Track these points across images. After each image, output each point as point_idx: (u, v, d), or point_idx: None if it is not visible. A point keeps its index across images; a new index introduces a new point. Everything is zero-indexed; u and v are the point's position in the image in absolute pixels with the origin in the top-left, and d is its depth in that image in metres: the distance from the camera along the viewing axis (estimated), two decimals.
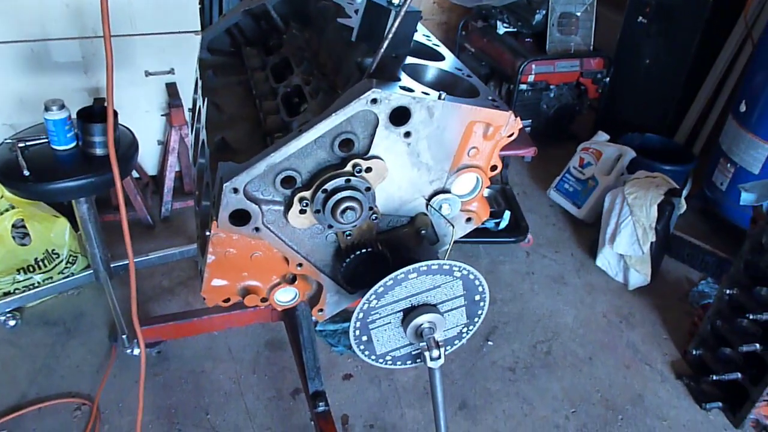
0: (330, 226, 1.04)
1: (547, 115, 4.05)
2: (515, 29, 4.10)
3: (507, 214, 3.09)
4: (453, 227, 1.10)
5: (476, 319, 1.14)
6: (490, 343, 2.66)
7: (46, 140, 2.25)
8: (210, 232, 1.03)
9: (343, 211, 1.00)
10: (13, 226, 2.59)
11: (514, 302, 2.93)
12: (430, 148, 1.04)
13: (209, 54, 1.55)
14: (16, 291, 2.62)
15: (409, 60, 1.14)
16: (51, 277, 2.67)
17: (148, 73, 3.10)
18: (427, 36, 1.34)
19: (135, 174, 3.37)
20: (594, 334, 2.79)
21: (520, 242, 3.19)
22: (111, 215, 3.21)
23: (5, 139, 2.29)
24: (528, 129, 4.01)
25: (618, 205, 3.04)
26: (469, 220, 1.18)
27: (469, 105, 1.01)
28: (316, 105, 1.17)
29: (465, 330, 1.15)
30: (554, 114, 4.05)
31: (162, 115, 3.23)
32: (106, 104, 2.34)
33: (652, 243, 2.93)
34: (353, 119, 0.97)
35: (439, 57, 1.24)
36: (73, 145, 2.26)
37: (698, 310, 2.87)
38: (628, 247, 2.98)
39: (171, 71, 3.12)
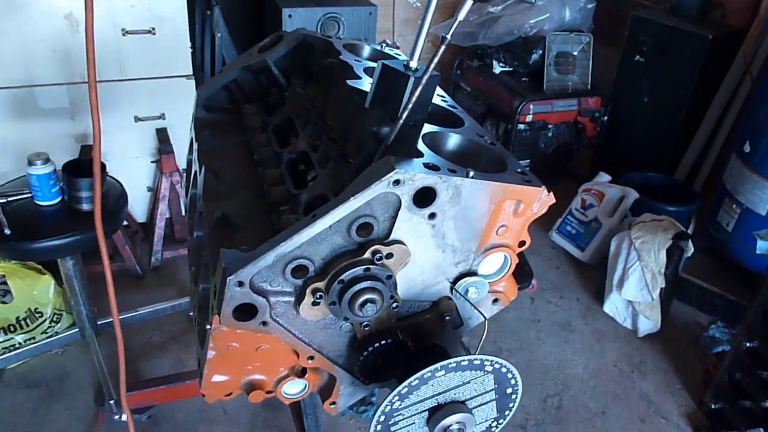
0: (346, 318, 0.93)
1: (545, 154, 3.98)
2: (511, 68, 4.06)
3: None
4: (486, 319, 0.99)
5: (507, 413, 1.02)
6: None
7: (30, 195, 2.14)
8: (210, 325, 0.91)
9: (363, 304, 0.89)
10: None
11: (521, 352, 2.81)
12: (456, 229, 0.94)
13: (205, 112, 1.45)
14: None
15: (427, 127, 1.04)
16: (33, 337, 2.52)
17: (137, 119, 3.00)
18: (443, 96, 1.24)
19: (124, 222, 3.25)
20: (605, 385, 2.67)
21: (525, 288, 3.09)
22: (99, 266, 3.07)
23: None
24: (527, 169, 3.93)
25: (625, 250, 2.95)
26: (496, 301, 1.07)
27: (499, 182, 0.92)
28: (325, 176, 1.06)
29: (494, 424, 1.03)
30: (552, 153, 3.99)
31: (152, 162, 3.12)
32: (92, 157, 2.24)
33: (661, 288, 2.84)
34: (373, 202, 0.87)
35: (459, 122, 1.14)
36: (58, 200, 2.15)
37: (712, 358, 2.76)
38: (636, 293, 2.89)
39: (161, 116, 3.03)
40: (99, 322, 2.59)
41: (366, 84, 1.17)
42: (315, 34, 1.42)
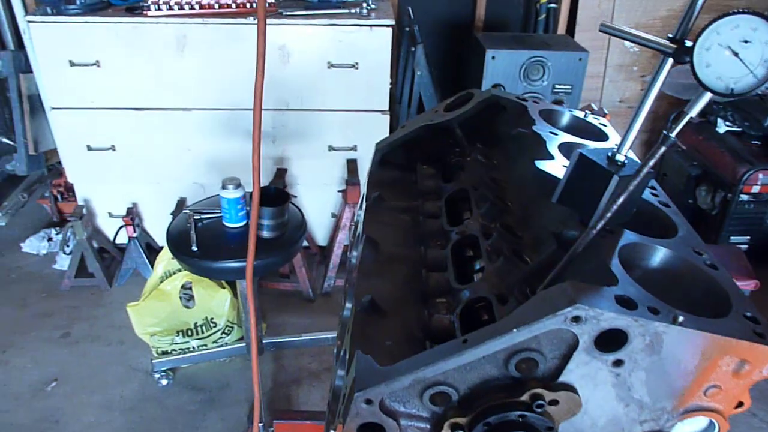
0: None
1: None
2: (740, 129, 3.52)
3: None
4: None
5: None
6: None
7: (220, 215, 2.25)
8: (334, 431, 0.80)
9: None
10: (182, 287, 2.63)
11: None
12: (648, 382, 0.72)
13: (381, 168, 1.37)
14: (173, 352, 2.65)
15: (627, 236, 0.84)
16: (206, 344, 2.66)
17: (331, 148, 3.08)
18: (653, 189, 1.02)
19: (305, 243, 3.35)
20: None
21: None
22: (277, 283, 3.21)
23: (185, 209, 2.33)
24: (745, 246, 3.37)
25: None
26: None
27: (718, 336, 0.69)
28: (493, 272, 0.91)
29: None
30: None
31: (338, 191, 3.18)
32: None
33: None
34: (541, 336, 0.69)
35: (670, 227, 0.92)
36: (243, 223, 2.24)
37: None
38: None
39: (353, 148, 3.08)
40: (264, 341, 2.68)
41: (557, 166, 0.99)
42: (508, 96, 1.27)
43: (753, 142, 3.48)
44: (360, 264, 1.07)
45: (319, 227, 3.36)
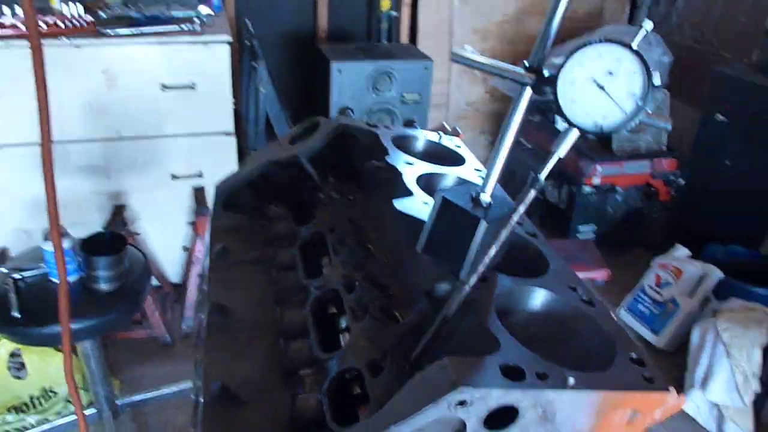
0: None
1: (614, 219, 3.63)
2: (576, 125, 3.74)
3: None
4: None
5: None
6: None
7: (45, 270, 1.95)
8: None
9: None
10: (11, 355, 2.26)
11: None
12: None
13: (225, 211, 1.21)
14: None
15: (502, 282, 0.76)
16: (46, 419, 2.31)
17: (174, 177, 2.83)
18: (520, 223, 0.96)
19: (155, 282, 3.06)
20: None
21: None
22: (128, 332, 2.89)
23: (2, 266, 2.00)
24: (593, 236, 3.59)
25: (710, 343, 2.56)
26: None
27: (610, 392, 0.62)
28: (361, 335, 0.79)
29: None
30: (621, 218, 3.64)
31: (188, 223, 2.93)
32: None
33: (756, 393, 2.43)
34: (425, 426, 0.59)
35: (542, 261, 0.86)
36: (75, 277, 1.95)
37: None
38: (724, 395, 2.49)
39: (199, 174, 2.85)
40: (119, 402, 2.38)
41: (418, 203, 0.90)
42: (358, 124, 1.17)
43: (589, 136, 3.70)
44: (207, 338, 0.91)
45: (170, 263, 3.08)
